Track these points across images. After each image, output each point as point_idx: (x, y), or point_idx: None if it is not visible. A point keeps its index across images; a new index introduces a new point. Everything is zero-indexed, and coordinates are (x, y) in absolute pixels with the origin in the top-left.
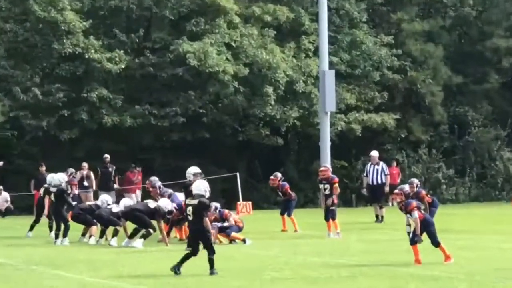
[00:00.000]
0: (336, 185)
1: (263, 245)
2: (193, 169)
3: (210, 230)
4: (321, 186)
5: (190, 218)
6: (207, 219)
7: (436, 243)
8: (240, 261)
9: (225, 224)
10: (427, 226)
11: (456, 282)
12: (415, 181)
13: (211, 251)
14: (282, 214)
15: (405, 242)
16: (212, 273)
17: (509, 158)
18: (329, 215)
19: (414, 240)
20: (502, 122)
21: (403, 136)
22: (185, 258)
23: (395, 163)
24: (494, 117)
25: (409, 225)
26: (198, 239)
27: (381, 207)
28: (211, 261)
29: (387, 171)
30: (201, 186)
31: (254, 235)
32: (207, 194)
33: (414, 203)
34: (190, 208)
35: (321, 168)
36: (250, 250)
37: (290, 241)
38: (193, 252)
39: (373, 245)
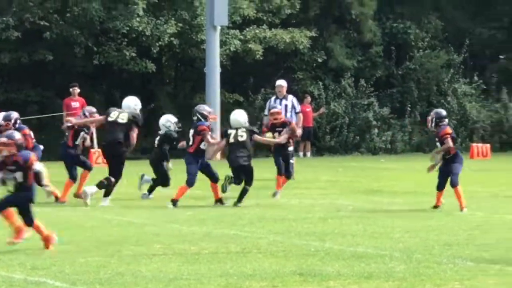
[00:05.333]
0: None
1: (124, 208)
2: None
3: None
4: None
5: None
6: None
7: None
8: (90, 230)
9: None
10: None
11: (389, 261)
12: None
13: None
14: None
15: (321, 207)
16: None
17: (466, 92)
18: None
19: None
20: (456, 42)
21: (320, 61)
22: None
23: (309, 98)
24: (446, 36)
25: None
26: None
27: None
28: None
29: (298, 108)
30: None
31: (112, 196)
32: None
33: None
34: None
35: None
36: (105, 215)
37: (162, 204)
38: None
39: (275, 210)
